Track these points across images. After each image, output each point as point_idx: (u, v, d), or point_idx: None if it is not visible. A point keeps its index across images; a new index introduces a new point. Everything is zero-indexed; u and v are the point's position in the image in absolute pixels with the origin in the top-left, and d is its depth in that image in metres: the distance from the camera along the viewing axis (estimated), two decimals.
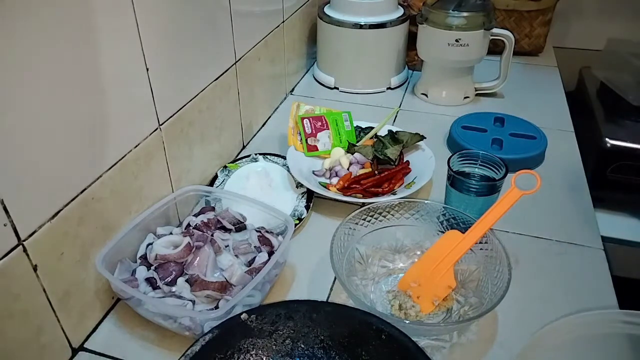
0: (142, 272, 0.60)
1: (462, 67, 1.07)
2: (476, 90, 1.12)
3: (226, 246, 0.65)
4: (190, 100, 0.73)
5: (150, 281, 0.59)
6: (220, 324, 0.51)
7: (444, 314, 0.61)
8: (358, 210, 0.66)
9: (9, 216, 0.46)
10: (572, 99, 1.15)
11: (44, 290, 0.51)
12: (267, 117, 1.06)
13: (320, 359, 0.53)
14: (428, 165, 0.83)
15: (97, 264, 0.57)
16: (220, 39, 0.80)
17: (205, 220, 0.67)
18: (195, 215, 0.69)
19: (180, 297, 0.58)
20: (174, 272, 0.60)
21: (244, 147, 0.96)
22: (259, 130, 1.02)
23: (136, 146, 0.63)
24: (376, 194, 0.78)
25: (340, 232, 0.63)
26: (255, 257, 0.63)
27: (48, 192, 0.50)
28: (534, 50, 1.31)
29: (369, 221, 0.67)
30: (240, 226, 0.68)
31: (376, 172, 0.82)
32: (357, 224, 0.66)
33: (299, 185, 0.81)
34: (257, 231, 0.67)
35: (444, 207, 0.68)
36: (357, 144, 0.89)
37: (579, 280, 0.67)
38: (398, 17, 1.11)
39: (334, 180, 0.82)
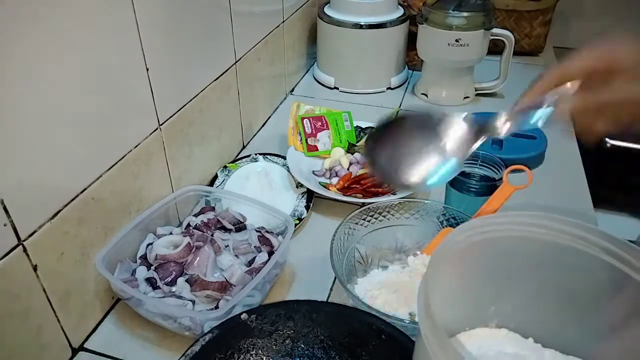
0: (142, 272, 0.60)
1: (462, 67, 1.07)
2: (476, 90, 1.12)
3: (226, 246, 0.65)
4: (190, 100, 0.73)
5: (150, 281, 0.59)
6: (220, 324, 0.51)
7: None
8: (358, 210, 0.66)
9: (9, 216, 0.46)
10: None
11: (44, 290, 0.51)
12: (267, 117, 1.06)
13: (320, 359, 0.53)
14: None
15: (97, 264, 0.57)
16: (220, 39, 0.80)
17: (205, 220, 0.67)
18: (195, 215, 0.69)
19: (180, 297, 0.58)
20: (174, 272, 0.60)
21: (244, 147, 0.96)
22: (259, 130, 1.02)
23: (136, 146, 0.63)
24: (376, 194, 0.78)
25: (340, 232, 0.63)
26: (255, 257, 0.63)
27: (48, 192, 0.50)
28: (534, 50, 1.31)
29: (369, 221, 0.67)
30: (240, 226, 0.68)
31: None
32: (357, 224, 0.66)
33: (299, 185, 0.81)
34: (257, 231, 0.67)
35: (444, 207, 0.68)
36: (357, 144, 0.89)
37: None
38: (398, 17, 1.11)
39: (334, 180, 0.82)
